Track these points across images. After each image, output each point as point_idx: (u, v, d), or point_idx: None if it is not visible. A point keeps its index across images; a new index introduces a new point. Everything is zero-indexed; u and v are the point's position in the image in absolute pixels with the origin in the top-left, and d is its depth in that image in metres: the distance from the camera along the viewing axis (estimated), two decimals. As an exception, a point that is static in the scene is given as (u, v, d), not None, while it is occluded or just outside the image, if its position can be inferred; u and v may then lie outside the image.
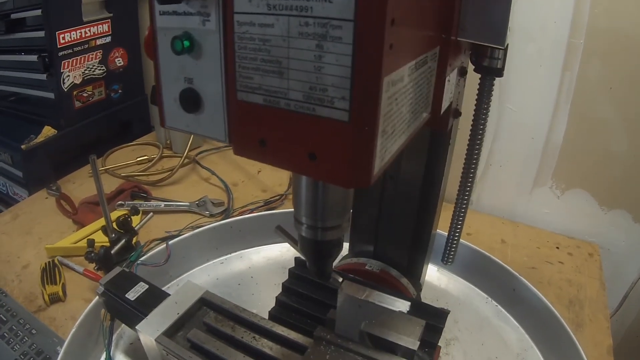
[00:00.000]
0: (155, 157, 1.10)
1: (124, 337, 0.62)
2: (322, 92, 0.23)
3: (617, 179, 0.90)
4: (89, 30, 1.02)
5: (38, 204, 0.94)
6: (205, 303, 0.53)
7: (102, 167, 1.06)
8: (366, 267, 0.56)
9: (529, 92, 0.88)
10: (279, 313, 0.55)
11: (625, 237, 0.94)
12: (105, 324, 0.58)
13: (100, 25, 1.05)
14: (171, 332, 0.49)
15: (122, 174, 1.03)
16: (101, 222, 0.82)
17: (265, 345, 0.46)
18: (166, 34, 0.28)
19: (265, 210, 0.91)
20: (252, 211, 0.91)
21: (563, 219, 0.97)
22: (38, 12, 0.94)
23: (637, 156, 0.87)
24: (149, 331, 0.48)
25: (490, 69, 0.44)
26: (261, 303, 0.66)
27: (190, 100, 0.28)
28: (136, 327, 0.49)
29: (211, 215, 0.90)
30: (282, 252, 0.79)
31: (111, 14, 1.07)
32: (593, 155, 0.90)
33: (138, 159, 1.09)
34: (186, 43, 0.26)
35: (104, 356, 0.57)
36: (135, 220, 0.81)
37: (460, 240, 0.57)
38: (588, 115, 0.87)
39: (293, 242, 0.38)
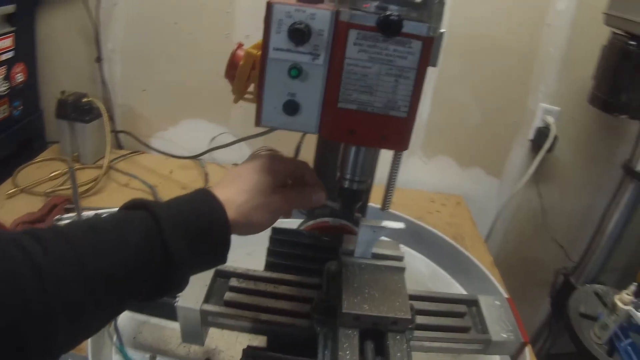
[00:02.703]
0: (68, 171, 1.12)
1: (125, 334, 0.71)
2: (394, 103, 0.43)
3: (471, 145, 1.26)
4: (-4, 46, 1.02)
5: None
6: (219, 274, 0.66)
7: (16, 187, 1.05)
8: (329, 223, 0.75)
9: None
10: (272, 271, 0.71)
11: (482, 187, 1.31)
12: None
13: (4, 40, 1.05)
14: (206, 301, 0.62)
15: (47, 190, 1.04)
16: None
17: (286, 290, 0.63)
18: (277, 63, 0.44)
19: None
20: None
21: (433, 180, 1.30)
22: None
23: (485, 127, 1.23)
24: (191, 303, 0.60)
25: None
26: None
27: (292, 108, 0.45)
28: (176, 304, 0.60)
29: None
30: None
31: (14, 28, 1.07)
32: (452, 128, 1.25)
33: (52, 175, 1.10)
34: (298, 71, 0.44)
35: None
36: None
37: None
38: (447, 100, 1.20)
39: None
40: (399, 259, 0.64)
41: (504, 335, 0.68)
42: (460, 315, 0.71)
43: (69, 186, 1.08)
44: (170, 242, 0.40)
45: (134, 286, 0.40)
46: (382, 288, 0.58)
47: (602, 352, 0.89)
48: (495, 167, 1.35)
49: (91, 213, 0.96)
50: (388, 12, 0.39)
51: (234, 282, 0.65)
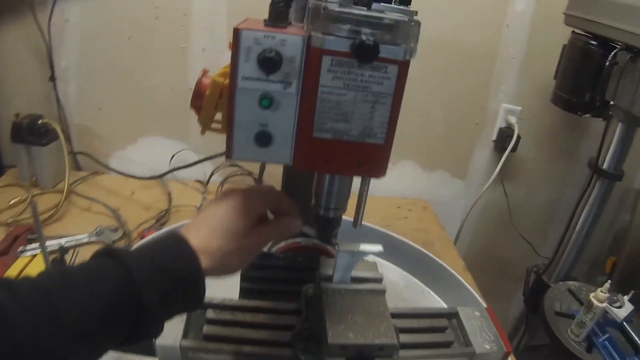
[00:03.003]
0: (27, 198, 1.06)
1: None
2: (371, 130, 0.41)
3: (434, 147, 1.25)
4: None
5: None
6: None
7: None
8: (301, 244, 0.72)
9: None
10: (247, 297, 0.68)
11: (447, 190, 1.31)
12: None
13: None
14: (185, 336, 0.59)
15: (8, 220, 0.98)
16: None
17: (265, 318, 0.60)
18: (246, 93, 0.41)
19: (159, 226, 1.01)
20: (153, 229, 0.99)
21: (398, 186, 1.29)
22: None
23: (448, 130, 1.24)
24: (170, 340, 0.57)
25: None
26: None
27: (264, 139, 0.43)
28: (155, 342, 0.56)
29: (114, 242, 0.95)
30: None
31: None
32: (414, 133, 1.24)
33: (11, 202, 1.04)
34: (270, 101, 0.41)
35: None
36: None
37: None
38: (409, 104, 1.20)
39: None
40: (379, 280, 0.62)
41: (487, 347, 0.68)
42: (442, 330, 0.70)
43: (30, 214, 1.02)
44: (142, 294, 0.39)
45: (108, 335, 0.39)
46: (365, 313, 0.57)
47: (581, 350, 0.90)
48: (459, 169, 1.35)
49: (55, 242, 0.92)
50: (363, 37, 0.37)
51: (211, 314, 0.62)
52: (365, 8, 0.39)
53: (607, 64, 0.90)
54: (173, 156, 1.22)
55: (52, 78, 1.15)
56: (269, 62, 0.39)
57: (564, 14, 1.04)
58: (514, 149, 1.27)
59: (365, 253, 0.57)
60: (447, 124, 1.26)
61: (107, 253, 0.42)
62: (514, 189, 1.40)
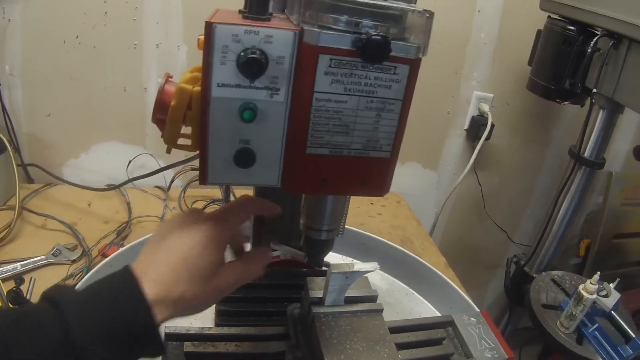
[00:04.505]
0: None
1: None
2: (376, 142, 0.35)
3: (405, 140, 1.20)
4: None
5: None
6: (170, 338, 0.55)
7: None
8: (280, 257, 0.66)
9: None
10: (226, 321, 0.61)
11: (420, 182, 1.26)
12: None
13: None
14: (159, 376, 0.51)
15: None
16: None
17: (251, 347, 0.53)
18: (223, 103, 0.34)
19: (120, 241, 0.92)
20: (114, 246, 0.90)
21: None
22: None
23: (419, 121, 1.21)
24: None
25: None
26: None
27: (246, 158, 0.35)
28: None
29: (73, 262, 0.86)
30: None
31: None
32: None
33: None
34: (252, 112, 0.34)
35: None
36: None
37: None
38: None
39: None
40: (373, 298, 0.56)
41: (489, 355, 0.65)
42: (439, 341, 0.66)
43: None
44: (83, 355, 0.33)
45: None
46: (364, 338, 0.51)
47: (571, 342, 0.88)
48: (431, 160, 1.32)
49: (10, 267, 0.82)
50: (371, 31, 0.30)
51: (189, 347, 0.55)
52: (364, -5, 0.32)
53: (588, 50, 0.87)
54: (130, 162, 1.12)
55: (-3, 85, 1.03)
56: (252, 65, 0.32)
57: (539, -2, 1.01)
58: (487, 138, 1.24)
59: (360, 273, 0.50)
60: (417, 114, 1.20)
61: (49, 298, 0.35)
62: (487, 177, 1.37)
